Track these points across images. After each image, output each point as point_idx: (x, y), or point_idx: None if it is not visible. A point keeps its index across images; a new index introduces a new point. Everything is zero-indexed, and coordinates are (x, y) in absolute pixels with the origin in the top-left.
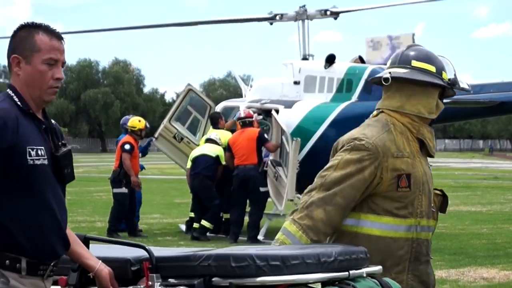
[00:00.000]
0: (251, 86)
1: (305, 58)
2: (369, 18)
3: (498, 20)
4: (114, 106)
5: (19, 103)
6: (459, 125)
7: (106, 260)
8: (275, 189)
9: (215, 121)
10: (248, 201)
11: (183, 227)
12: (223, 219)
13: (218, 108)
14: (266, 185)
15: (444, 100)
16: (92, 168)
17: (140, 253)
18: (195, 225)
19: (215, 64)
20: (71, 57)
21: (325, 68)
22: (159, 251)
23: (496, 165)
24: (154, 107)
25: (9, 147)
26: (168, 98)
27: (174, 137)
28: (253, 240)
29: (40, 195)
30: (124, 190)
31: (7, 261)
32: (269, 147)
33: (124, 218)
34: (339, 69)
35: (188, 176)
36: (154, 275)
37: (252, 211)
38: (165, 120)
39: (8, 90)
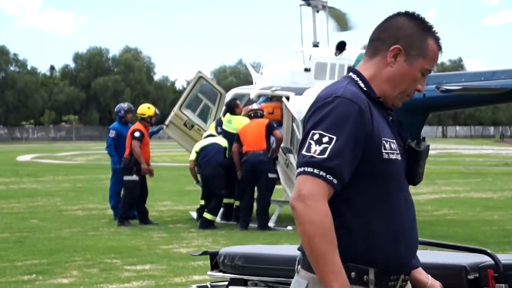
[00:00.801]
0: (261, 73)
1: (315, 45)
2: (379, 5)
3: (509, 7)
4: (124, 93)
5: (365, 89)
6: (470, 112)
7: (432, 267)
8: (286, 176)
9: (232, 108)
10: (256, 187)
11: (194, 214)
12: (234, 206)
13: (229, 95)
14: (274, 172)
15: (454, 87)
16: (103, 155)
17: (475, 258)
18: (205, 214)
19: (225, 51)
20: (82, 45)
21: (336, 55)
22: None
23: (507, 152)
24: (165, 95)
25: (366, 135)
26: (178, 85)
27: (185, 125)
28: (264, 227)
29: (394, 195)
30: (134, 177)
31: (353, 273)
32: (277, 135)
33: (135, 206)
34: (350, 56)
35: (193, 168)
36: (503, 285)
37: (260, 198)
38: (176, 108)
39: (351, 73)
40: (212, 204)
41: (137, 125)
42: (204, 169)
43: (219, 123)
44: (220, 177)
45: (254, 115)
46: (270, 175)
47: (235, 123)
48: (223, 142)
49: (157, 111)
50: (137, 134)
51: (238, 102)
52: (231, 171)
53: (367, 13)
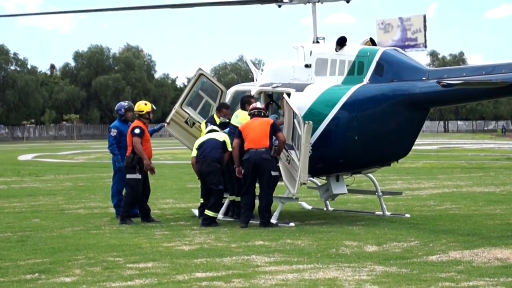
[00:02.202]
0: (262, 70)
1: (316, 41)
2: (380, 0)
3: (510, 1)
4: (125, 92)
5: None
6: (471, 106)
7: None
8: (288, 172)
9: (245, 103)
10: (258, 185)
11: (196, 212)
12: (235, 203)
13: (230, 92)
14: (277, 170)
15: (455, 81)
16: (104, 154)
17: None
18: (206, 211)
19: (226, 48)
20: (82, 43)
21: (336, 50)
22: None
23: (509, 146)
24: (165, 93)
25: None
26: (179, 83)
27: (186, 122)
28: (266, 224)
29: None
30: (137, 175)
31: None
32: (280, 137)
33: (137, 204)
34: (351, 52)
35: (194, 163)
36: None
37: (262, 195)
38: (177, 105)
39: None
40: (212, 200)
41: (136, 122)
42: (201, 165)
43: (210, 121)
44: (217, 172)
45: (257, 113)
46: (273, 173)
47: (242, 118)
48: (221, 136)
49: (154, 107)
50: (137, 130)
51: (253, 100)
52: (232, 167)
53: (368, 10)
